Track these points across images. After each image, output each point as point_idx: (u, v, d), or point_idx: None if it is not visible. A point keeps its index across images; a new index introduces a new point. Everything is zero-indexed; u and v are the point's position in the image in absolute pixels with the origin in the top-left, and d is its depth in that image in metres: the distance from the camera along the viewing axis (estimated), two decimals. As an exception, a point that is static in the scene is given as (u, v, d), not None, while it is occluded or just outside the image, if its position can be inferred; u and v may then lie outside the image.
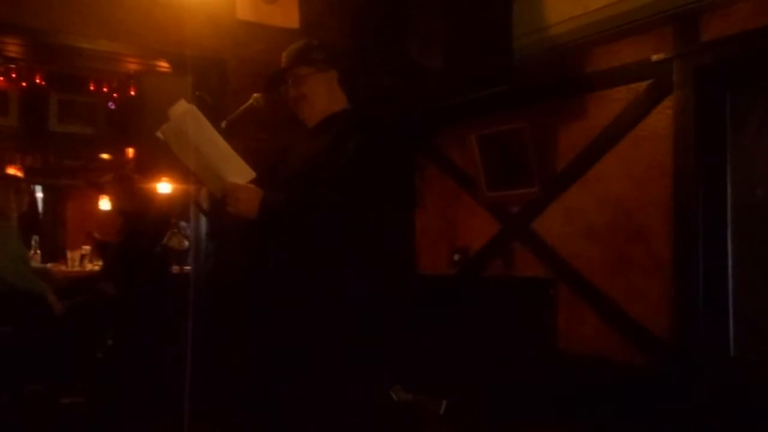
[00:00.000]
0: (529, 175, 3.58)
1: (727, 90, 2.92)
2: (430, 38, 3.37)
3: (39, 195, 7.72)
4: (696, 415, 2.79)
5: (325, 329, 1.97)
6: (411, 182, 4.25)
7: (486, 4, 3.21)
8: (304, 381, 1.99)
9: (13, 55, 3.77)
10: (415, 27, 3.46)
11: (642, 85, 3.10)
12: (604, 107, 3.27)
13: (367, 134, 2.05)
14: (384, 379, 3.02)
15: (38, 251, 5.99)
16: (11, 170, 6.27)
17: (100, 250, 5.44)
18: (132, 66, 3.68)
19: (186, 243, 3.35)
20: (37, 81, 5.87)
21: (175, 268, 4.03)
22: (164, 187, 4.38)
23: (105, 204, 7.60)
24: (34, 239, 6.01)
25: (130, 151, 6.68)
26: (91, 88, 6.07)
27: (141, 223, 3.92)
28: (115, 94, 6.24)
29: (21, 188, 4.11)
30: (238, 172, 1.95)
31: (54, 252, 6.56)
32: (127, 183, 4.12)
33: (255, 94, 2.14)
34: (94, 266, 5.86)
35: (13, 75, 5.66)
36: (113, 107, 6.59)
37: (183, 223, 4.12)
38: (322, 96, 2.14)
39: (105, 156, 7.38)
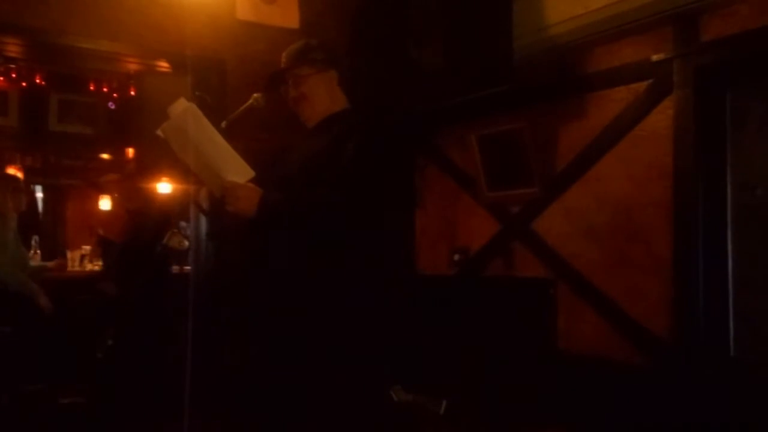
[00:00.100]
0: (529, 175, 3.57)
1: (727, 90, 2.91)
2: (430, 38, 3.37)
3: (39, 195, 7.72)
4: (696, 415, 2.79)
5: (324, 329, 1.97)
6: (411, 182, 4.25)
7: (486, 4, 3.20)
8: (304, 381, 1.99)
9: (13, 55, 3.77)
10: (415, 27, 3.46)
11: (642, 85, 3.10)
12: (604, 107, 3.26)
13: (366, 134, 2.05)
14: (384, 379, 3.02)
15: (38, 251, 5.99)
16: (11, 170, 6.27)
17: (103, 247, 5.44)
18: (132, 66, 3.68)
19: (186, 243, 3.35)
20: (37, 81, 5.87)
21: (175, 268, 4.03)
22: (164, 186, 4.38)
23: (105, 204, 7.61)
24: (34, 239, 6.01)
25: (130, 151, 6.68)
26: (91, 88, 6.08)
27: (146, 222, 3.92)
28: (115, 94, 6.24)
29: (19, 188, 4.10)
30: (238, 171, 1.96)
31: (54, 252, 6.56)
32: (134, 181, 4.13)
33: (255, 94, 2.15)
34: (94, 266, 5.87)
35: (13, 75, 5.66)
36: (113, 107, 6.58)
37: (183, 223, 4.12)
38: (322, 96, 2.15)
39: (105, 156, 7.37)
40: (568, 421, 3.16)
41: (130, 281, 3.86)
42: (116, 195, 6.14)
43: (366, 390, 2.09)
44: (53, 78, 6.02)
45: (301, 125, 2.20)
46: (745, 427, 2.66)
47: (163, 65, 3.51)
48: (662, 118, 3.02)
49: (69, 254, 6.13)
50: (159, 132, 1.94)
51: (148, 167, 3.37)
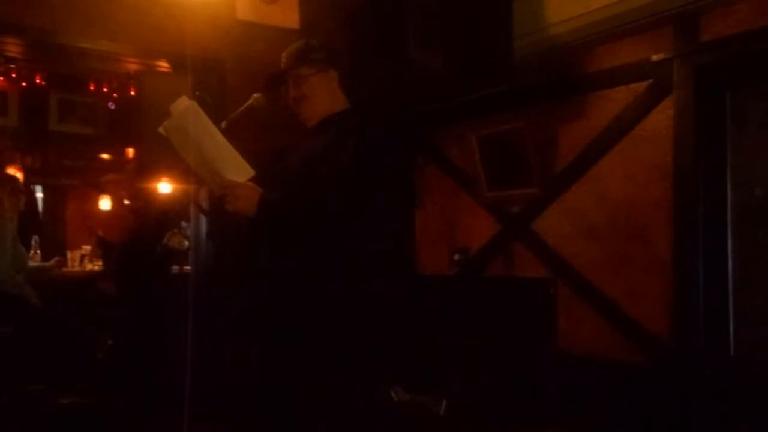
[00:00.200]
0: (529, 175, 3.58)
1: (727, 90, 2.92)
2: (430, 38, 3.37)
3: (39, 195, 7.72)
4: (696, 415, 2.79)
5: (324, 329, 1.97)
6: (411, 182, 4.25)
7: (486, 4, 3.20)
8: (304, 381, 1.99)
9: (13, 55, 3.77)
10: (415, 27, 3.45)
11: (642, 85, 3.10)
12: (604, 107, 3.27)
13: (366, 134, 2.05)
14: (384, 379, 3.02)
15: (38, 251, 5.98)
16: (11, 170, 6.27)
17: (102, 248, 5.45)
18: (132, 66, 3.67)
19: (186, 243, 3.35)
20: (37, 81, 5.87)
21: (175, 268, 4.03)
22: (165, 186, 4.38)
23: (105, 204, 7.62)
24: (34, 239, 6.00)
25: (130, 151, 6.68)
26: (91, 88, 6.08)
27: (149, 221, 3.92)
28: (115, 94, 6.24)
29: (17, 188, 4.09)
30: (238, 170, 1.96)
31: (54, 252, 6.55)
32: (138, 180, 4.13)
33: (255, 94, 2.15)
34: (94, 266, 5.87)
35: (13, 75, 5.66)
36: (113, 107, 6.59)
37: (183, 223, 4.12)
38: (323, 96, 2.15)
39: (105, 156, 7.38)
40: (568, 421, 3.16)
41: (130, 281, 3.86)
42: (122, 193, 6.15)
43: (366, 390, 2.09)
44: (53, 78, 6.02)
45: (301, 125, 2.20)
46: (745, 427, 2.66)
47: (163, 65, 3.50)
48: (662, 118, 3.02)
49: (69, 254, 6.13)
50: (161, 130, 1.95)
51: (149, 167, 3.37)
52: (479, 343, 3.59)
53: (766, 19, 2.64)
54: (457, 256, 4.01)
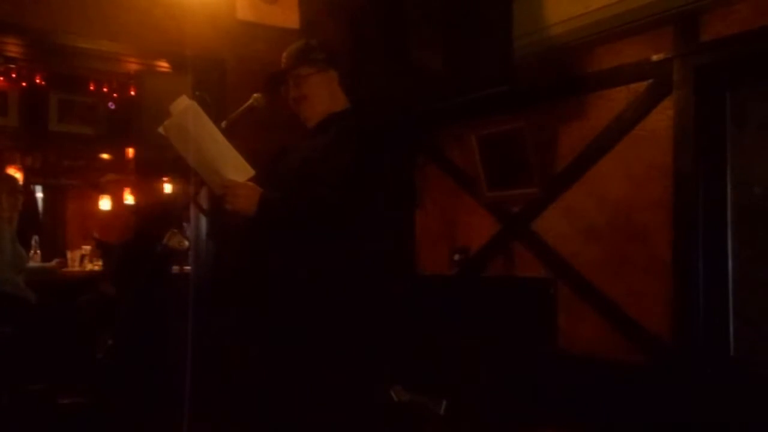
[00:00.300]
0: (529, 175, 3.57)
1: (727, 90, 2.91)
2: (430, 39, 3.37)
3: (39, 195, 7.72)
4: (696, 415, 2.79)
5: (324, 329, 1.97)
6: (411, 182, 4.25)
7: (486, 5, 3.20)
8: (304, 381, 1.99)
9: (13, 55, 3.77)
10: (415, 27, 3.46)
11: (642, 85, 3.10)
12: (604, 107, 3.26)
13: (367, 134, 2.05)
14: (384, 379, 3.02)
15: (38, 251, 5.99)
16: (11, 170, 6.27)
17: (101, 250, 5.45)
18: (132, 66, 3.67)
19: (186, 243, 3.35)
20: (37, 81, 5.87)
21: (175, 268, 4.03)
22: (166, 186, 4.39)
23: (105, 204, 7.62)
24: (34, 239, 6.00)
25: (130, 151, 6.68)
26: (91, 88, 6.08)
27: (150, 221, 3.92)
28: (115, 94, 6.24)
29: (15, 188, 4.08)
30: (238, 170, 1.96)
31: (54, 252, 6.56)
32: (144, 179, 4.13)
33: (255, 94, 2.15)
34: (94, 266, 5.87)
35: (13, 75, 5.66)
36: (113, 107, 6.59)
37: (185, 224, 4.12)
38: (323, 96, 2.15)
39: (105, 156, 7.38)
40: (568, 421, 3.16)
41: (130, 281, 3.86)
42: (128, 191, 6.15)
43: (366, 390, 2.09)
44: (53, 78, 6.03)
45: (301, 125, 2.20)
46: (745, 427, 2.66)
47: (163, 65, 3.51)
48: (662, 118, 3.02)
49: (69, 254, 6.13)
50: (161, 130, 1.96)
51: (148, 167, 3.37)
52: (479, 343, 3.59)
53: (766, 19, 2.64)
54: (457, 256, 4.01)
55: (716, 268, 2.87)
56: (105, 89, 6.10)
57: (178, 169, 2.10)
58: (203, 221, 3.54)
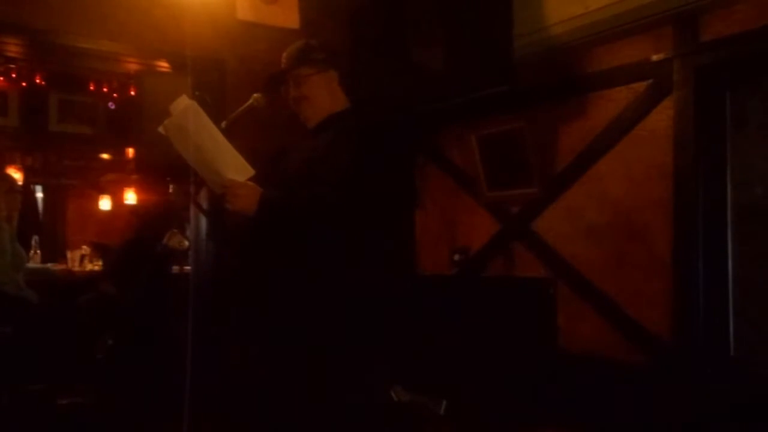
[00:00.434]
0: (529, 175, 3.57)
1: (727, 90, 2.91)
2: (430, 38, 3.37)
3: (39, 195, 7.73)
4: (696, 415, 2.79)
5: (325, 329, 1.97)
6: (411, 182, 4.25)
7: (486, 5, 3.20)
8: (304, 381, 1.99)
9: (13, 55, 3.77)
10: (415, 27, 3.46)
11: (642, 85, 3.10)
12: (604, 107, 3.26)
13: (367, 134, 2.05)
14: (384, 378, 3.02)
15: (38, 251, 5.99)
16: (11, 170, 6.27)
17: (100, 252, 5.46)
18: (132, 66, 3.68)
19: (186, 243, 3.35)
20: (37, 81, 5.88)
21: (175, 268, 4.03)
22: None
23: (105, 204, 7.63)
24: (34, 239, 6.01)
25: (130, 151, 6.69)
26: (91, 88, 6.09)
27: (150, 221, 3.92)
28: (115, 94, 6.25)
29: (14, 188, 4.08)
30: (238, 169, 1.96)
31: (54, 252, 6.57)
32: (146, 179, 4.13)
33: (255, 94, 2.15)
34: (94, 266, 5.87)
35: (13, 75, 5.67)
36: (113, 107, 6.60)
37: (186, 224, 4.12)
38: (323, 96, 2.15)
39: (105, 156, 7.39)
40: (568, 421, 3.16)
41: (130, 281, 3.86)
42: (133, 189, 6.16)
43: (366, 390, 2.09)
44: (53, 78, 6.03)
45: (301, 125, 2.20)
46: (745, 427, 2.66)
47: (163, 65, 3.50)
48: (662, 118, 3.02)
49: (69, 254, 6.14)
50: (161, 129, 1.96)
51: (148, 167, 3.36)
52: (479, 343, 3.59)
53: (766, 19, 2.64)
54: (457, 256, 4.01)
55: (716, 268, 2.88)
56: (105, 89, 6.11)
57: (179, 169, 2.10)
58: (203, 221, 3.54)
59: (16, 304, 3.72)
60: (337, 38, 3.65)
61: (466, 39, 3.24)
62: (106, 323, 4.16)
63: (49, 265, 5.79)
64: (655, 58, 3.02)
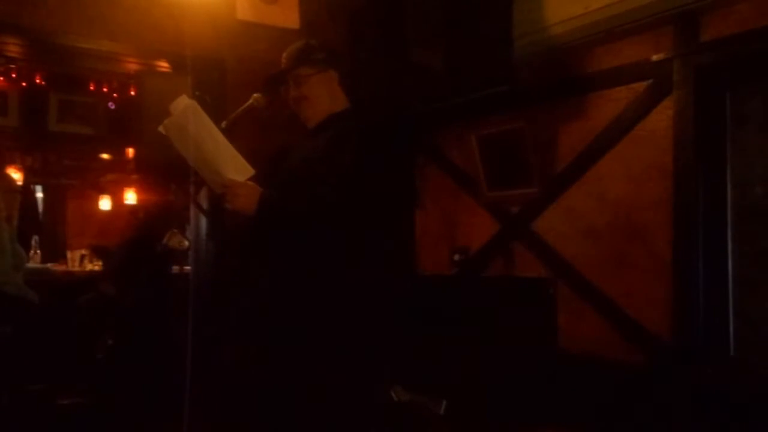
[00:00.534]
0: (529, 175, 3.57)
1: (727, 90, 2.91)
2: (430, 38, 3.37)
3: (39, 195, 7.73)
4: (696, 415, 2.79)
5: (324, 329, 1.97)
6: (411, 182, 4.25)
7: (486, 4, 3.20)
8: (304, 381, 1.99)
9: (13, 55, 3.77)
10: (415, 27, 3.46)
11: (642, 85, 3.10)
12: (604, 107, 3.26)
13: (367, 134, 2.05)
14: (384, 378, 3.02)
15: (38, 251, 6.00)
16: (11, 170, 6.27)
17: (98, 254, 5.46)
18: (132, 66, 3.67)
19: (186, 243, 3.36)
20: (37, 81, 5.88)
21: (175, 268, 4.04)
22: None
23: (105, 204, 7.63)
24: (34, 239, 6.01)
25: (130, 151, 6.69)
26: (91, 88, 6.09)
27: (154, 221, 3.93)
28: (115, 94, 6.25)
29: (13, 188, 4.07)
30: (238, 169, 1.97)
31: (54, 252, 6.57)
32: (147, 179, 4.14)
33: (255, 94, 2.15)
34: (94, 266, 5.88)
35: (13, 75, 5.67)
36: (113, 107, 6.60)
37: (186, 225, 4.12)
38: (323, 96, 2.15)
39: (105, 156, 7.39)
40: (568, 421, 3.16)
41: (130, 281, 3.86)
42: (133, 189, 6.15)
43: (366, 390, 2.09)
44: (53, 78, 6.03)
45: (301, 125, 2.20)
46: (745, 427, 2.66)
47: (163, 65, 3.50)
48: (662, 118, 3.02)
49: (69, 254, 6.15)
50: (161, 129, 1.96)
51: (148, 167, 3.36)
52: (479, 343, 3.59)
53: (766, 19, 2.64)
54: (457, 256, 4.01)
55: (716, 268, 2.87)
56: (105, 89, 6.11)
57: (179, 169, 2.10)
58: (203, 221, 3.54)
59: (16, 304, 3.72)
60: (337, 38, 3.65)
61: (466, 39, 3.24)
62: (106, 323, 4.17)
63: (49, 265, 5.79)
64: (655, 58, 3.02)
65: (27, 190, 6.93)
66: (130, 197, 7.24)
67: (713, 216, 2.89)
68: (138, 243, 4.06)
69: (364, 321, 2.01)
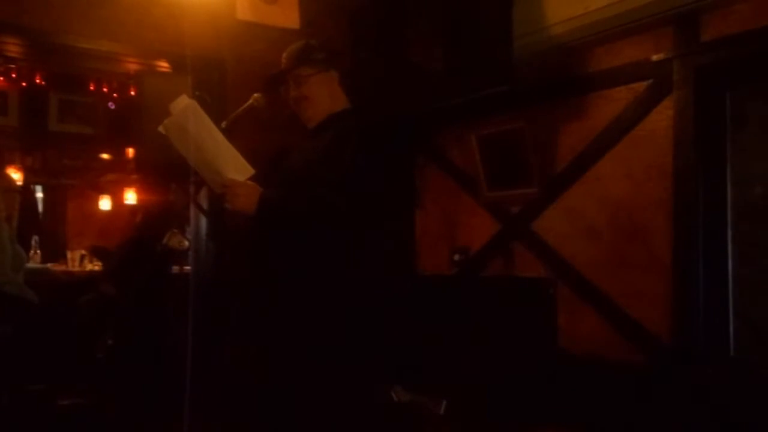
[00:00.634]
0: (529, 175, 3.57)
1: (727, 90, 2.91)
2: (430, 38, 3.37)
3: (39, 195, 7.73)
4: (696, 415, 2.79)
5: (324, 329, 1.97)
6: (411, 182, 4.25)
7: (486, 4, 3.21)
8: (304, 381, 1.99)
9: (13, 55, 3.76)
10: (415, 27, 3.46)
11: (642, 85, 3.10)
12: (604, 107, 3.27)
13: (367, 134, 2.05)
14: (384, 378, 3.02)
15: (38, 251, 6.00)
16: (11, 170, 6.27)
17: (98, 255, 5.46)
18: (132, 66, 3.67)
19: (186, 243, 3.36)
20: (37, 81, 5.89)
21: (175, 268, 4.04)
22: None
23: (105, 204, 7.62)
24: (34, 239, 6.01)
25: (130, 151, 6.69)
26: (91, 88, 6.09)
27: (154, 221, 3.92)
28: (115, 94, 6.26)
29: (11, 188, 4.07)
30: (238, 169, 1.97)
31: (54, 252, 6.57)
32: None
33: (255, 94, 2.15)
34: (94, 266, 5.88)
35: (13, 75, 5.67)
36: (113, 107, 6.60)
37: (186, 227, 4.12)
38: (324, 96, 2.15)
39: (105, 156, 7.39)
40: (568, 421, 3.16)
41: (130, 281, 3.86)
42: (133, 189, 6.15)
43: (366, 390, 2.09)
44: (53, 78, 6.04)
45: (301, 125, 2.20)
46: (745, 427, 2.66)
47: (163, 65, 3.50)
48: (662, 118, 3.02)
49: (69, 254, 6.14)
50: (161, 128, 1.96)
51: (148, 167, 3.36)
52: (479, 343, 3.59)
53: (766, 19, 2.64)
54: (457, 256, 4.01)
55: (716, 268, 2.88)
56: (105, 89, 6.12)
57: (179, 169, 2.10)
58: (203, 221, 3.54)
59: (16, 304, 3.72)
60: (337, 38, 3.65)
61: (466, 39, 3.24)
62: (106, 323, 4.17)
63: (49, 265, 5.79)
64: (655, 58, 3.02)
65: (27, 190, 6.93)
66: (130, 197, 7.23)
67: (713, 216, 2.89)
68: (138, 243, 4.06)
69: (363, 321, 2.01)
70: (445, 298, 4.00)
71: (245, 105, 2.15)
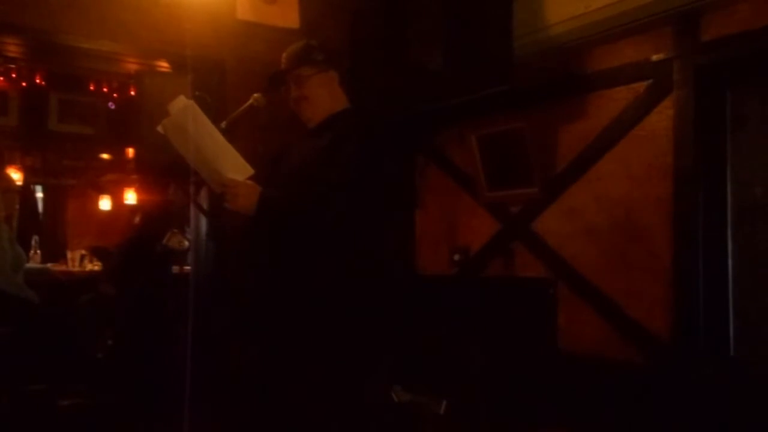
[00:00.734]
0: (529, 175, 3.57)
1: (727, 90, 2.91)
2: (430, 38, 3.37)
3: (39, 195, 7.73)
4: (696, 415, 2.79)
5: (325, 329, 1.97)
6: (411, 182, 4.25)
7: (486, 4, 3.21)
8: (304, 381, 1.99)
9: (13, 55, 3.76)
10: (415, 27, 3.46)
11: (642, 85, 3.10)
12: (604, 107, 3.27)
13: (367, 134, 2.05)
14: (384, 378, 3.02)
15: (38, 251, 6.00)
16: (11, 170, 6.27)
17: (98, 255, 5.46)
18: (132, 66, 3.67)
19: (186, 243, 3.35)
20: (37, 81, 5.89)
21: (175, 268, 4.03)
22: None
23: (105, 204, 7.62)
24: (34, 239, 6.01)
25: (130, 151, 6.69)
26: (91, 88, 6.10)
27: (154, 221, 3.92)
28: (115, 94, 6.26)
29: (10, 188, 4.06)
30: (237, 169, 1.97)
31: (54, 252, 6.57)
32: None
33: (255, 94, 2.15)
34: (94, 266, 5.88)
35: (13, 75, 5.68)
36: (113, 107, 6.61)
37: (186, 227, 4.12)
38: (324, 97, 2.15)
39: (105, 156, 7.39)
40: (568, 421, 3.16)
41: (130, 281, 3.86)
42: (133, 189, 6.15)
43: (366, 390, 2.09)
44: (53, 78, 6.04)
45: (301, 125, 2.20)
46: (745, 427, 2.66)
47: (163, 65, 3.50)
48: (662, 118, 3.02)
49: (69, 254, 6.14)
50: (160, 128, 1.96)
51: (148, 167, 3.36)
52: (479, 343, 3.59)
53: (766, 19, 2.64)
54: (457, 256, 4.01)
55: (716, 268, 2.87)
56: (105, 89, 6.12)
57: (179, 169, 2.10)
58: (203, 221, 3.54)
59: (16, 304, 3.72)
60: (337, 38, 3.65)
61: (466, 39, 3.24)
62: (106, 323, 4.17)
63: (49, 265, 5.79)
64: (655, 58, 3.02)
65: (27, 190, 6.93)
66: (130, 197, 7.23)
67: (713, 216, 2.88)
68: (138, 243, 4.06)
69: (364, 321, 2.01)
70: (445, 298, 4.00)
71: (245, 105, 2.15)
